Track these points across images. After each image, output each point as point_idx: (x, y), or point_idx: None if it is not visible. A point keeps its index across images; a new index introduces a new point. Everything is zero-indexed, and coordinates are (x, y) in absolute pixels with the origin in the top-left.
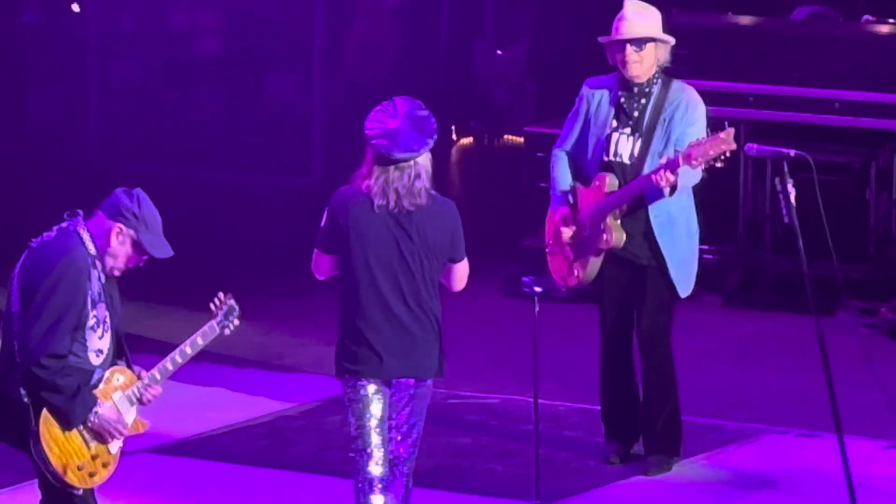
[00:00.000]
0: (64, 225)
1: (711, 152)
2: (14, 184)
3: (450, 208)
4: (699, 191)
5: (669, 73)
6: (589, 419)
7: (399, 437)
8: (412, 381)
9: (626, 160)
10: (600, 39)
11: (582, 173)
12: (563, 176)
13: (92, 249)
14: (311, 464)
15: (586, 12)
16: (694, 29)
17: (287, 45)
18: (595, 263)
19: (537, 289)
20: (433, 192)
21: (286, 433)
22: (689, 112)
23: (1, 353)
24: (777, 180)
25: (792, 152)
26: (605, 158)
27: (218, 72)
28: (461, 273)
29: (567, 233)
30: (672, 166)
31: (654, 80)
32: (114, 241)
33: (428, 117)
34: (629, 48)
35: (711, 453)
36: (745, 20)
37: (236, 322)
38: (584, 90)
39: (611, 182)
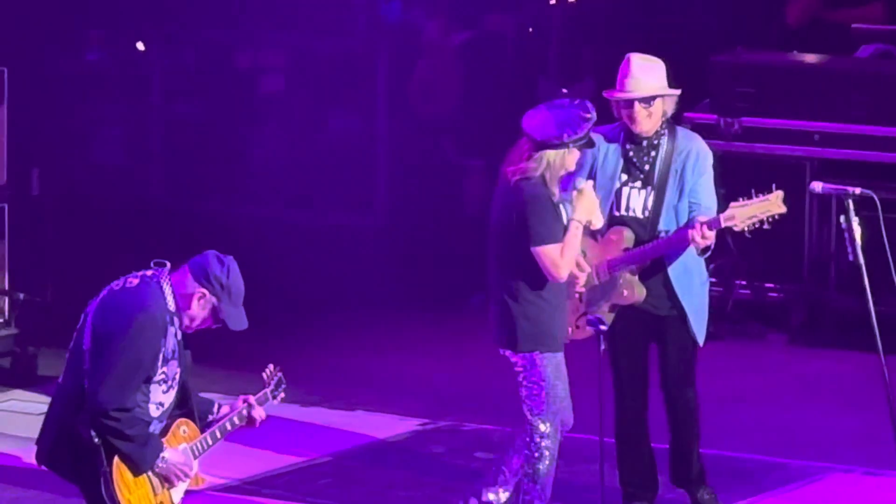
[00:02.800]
0: (149, 274)
1: (759, 215)
2: (78, 223)
3: (519, 192)
4: (761, 228)
5: (735, 109)
6: (656, 457)
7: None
8: (502, 350)
9: (640, 214)
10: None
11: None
12: None
13: (172, 305)
14: (375, 502)
15: (651, 49)
16: (759, 67)
17: (351, 83)
18: (608, 319)
19: (602, 326)
20: (532, 180)
21: (351, 471)
22: (699, 161)
23: (69, 389)
24: (842, 218)
25: (857, 190)
26: (617, 213)
27: (281, 110)
28: (542, 260)
29: (582, 280)
30: (711, 226)
31: (662, 131)
32: (195, 304)
33: (554, 121)
34: (637, 105)
35: (776, 491)
36: (811, 58)
37: (283, 395)
38: None
39: (628, 237)
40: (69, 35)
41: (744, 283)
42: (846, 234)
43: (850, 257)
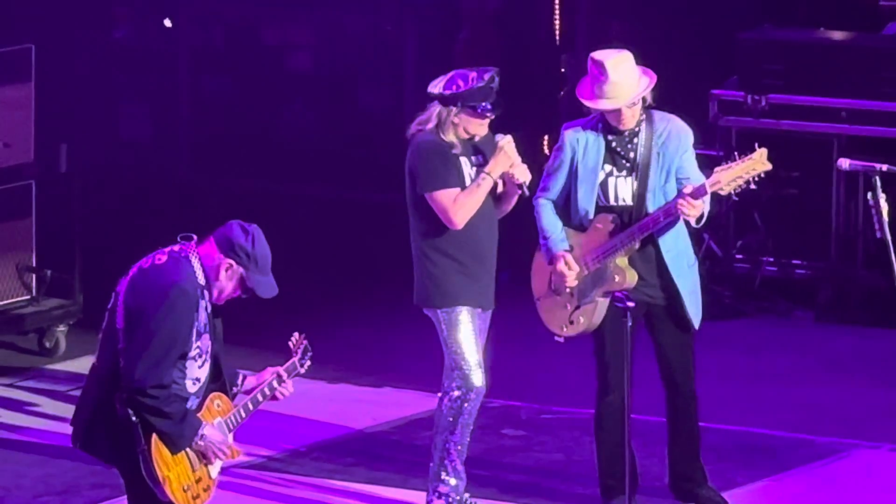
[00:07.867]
0: (176, 249)
1: (744, 175)
2: (106, 200)
3: (413, 142)
4: (789, 205)
5: (762, 86)
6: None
7: None
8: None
9: (630, 202)
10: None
11: (573, 221)
12: (554, 223)
13: (202, 279)
14: (402, 480)
15: (678, 20)
16: (786, 44)
17: (379, 60)
18: (602, 307)
19: (630, 303)
20: (425, 131)
21: (377, 449)
22: (681, 141)
23: (104, 370)
24: (869, 195)
25: (884, 167)
26: (606, 204)
27: (310, 87)
28: (434, 206)
29: (571, 277)
30: (697, 194)
31: (641, 117)
32: (222, 275)
33: (446, 78)
34: (623, 109)
35: (803, 468)
36: (838, 35)
37: (309, 363)
38: (566, 137)
39: (614, 222)
40: (96, 11)
41: (771, 260)
42: (873, 211)
43: (878, 234)
